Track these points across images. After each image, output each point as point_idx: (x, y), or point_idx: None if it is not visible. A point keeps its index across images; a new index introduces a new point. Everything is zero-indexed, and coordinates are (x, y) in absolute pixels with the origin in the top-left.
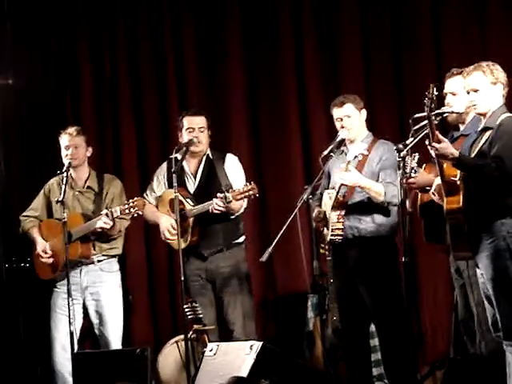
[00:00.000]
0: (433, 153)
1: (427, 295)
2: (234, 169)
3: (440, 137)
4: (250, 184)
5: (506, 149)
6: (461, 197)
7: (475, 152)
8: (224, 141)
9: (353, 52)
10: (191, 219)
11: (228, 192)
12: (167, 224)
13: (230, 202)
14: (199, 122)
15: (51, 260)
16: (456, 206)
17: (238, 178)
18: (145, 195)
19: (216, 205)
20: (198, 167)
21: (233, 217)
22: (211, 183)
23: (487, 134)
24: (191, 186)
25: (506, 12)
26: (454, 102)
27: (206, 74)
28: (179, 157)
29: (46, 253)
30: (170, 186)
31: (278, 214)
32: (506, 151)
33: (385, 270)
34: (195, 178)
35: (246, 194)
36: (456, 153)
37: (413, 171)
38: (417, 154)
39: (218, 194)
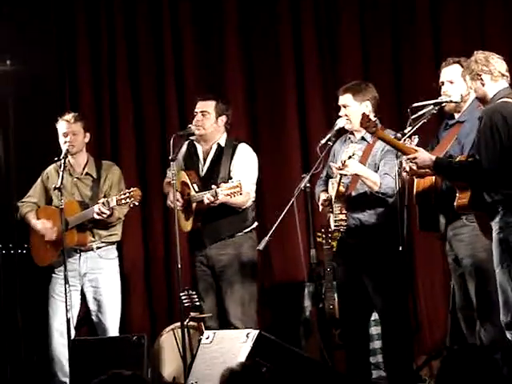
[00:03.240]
0: (414, 166)
1: (424, 284)
2: (242, 159)
3: (412, 150)
4: (239, 182)
5: (478, 145)
6: (469, 193)
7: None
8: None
9: (351, 41)
10: (194, 205)
11: (218, 187)
12: (171, 196)
13: (218, 195)
14: (202, 106)
15: (55, 235)
16: (465, 202)
17: (243, 169)
18: (167, 171)
19: (206, 198)
20: (208, 153)
21: (240, 210)
22: (215, 172)
23: None
24: (201, 171)
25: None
26: (451, 91)
27: (203, 66)
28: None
29: (47, 227)
30: (186, 167)
31: (275, 203)
32: (479, 148)
33: (388, 258)
34: (204, 163)
35: (232, 190)
36: (433, 157)
37: None
38: (416, 136)
39: (213, 186)
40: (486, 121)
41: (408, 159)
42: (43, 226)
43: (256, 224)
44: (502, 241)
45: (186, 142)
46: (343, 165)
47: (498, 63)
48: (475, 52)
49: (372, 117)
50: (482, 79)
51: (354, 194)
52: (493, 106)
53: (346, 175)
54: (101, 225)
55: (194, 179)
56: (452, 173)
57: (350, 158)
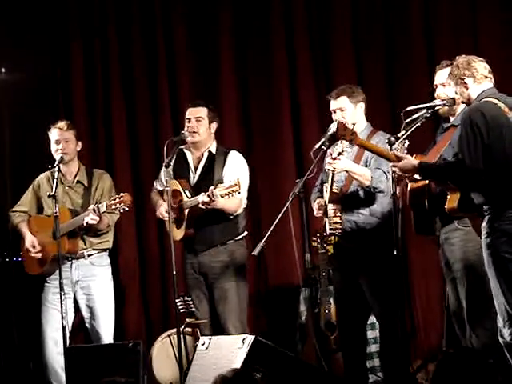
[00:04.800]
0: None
1: (419, 288)
2: (233, 166)
3: (399, 156)
4: (237, 180)
5: (461, 144)
6: (458, 195)
7: None
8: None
9: (345, 46)
10: (186, 211)
11: (215, 188)
12: (162, 209)
13: (216, 197)
14: (195, 112)
15: (40, 255)
16: (455, 205)
17: (235, 175)
18: (154, 182)
19: (202, 199)
20: (200, 161)
21: (231, 216)
22: (208, 179)
23: None
24: (192, 179)
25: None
26: (444, 94)
27: (197, 72)
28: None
29: (34, 247)
30: (176, 175)
31: (269, 207)
32: (461, 147)
33: (384, 262)
34: (196, 171)
35: (230, 190)
36: (416, 162)
37: None
38: (406, 141)
39: (210, 188)
40: (465, 120)
41: (391, 166)
42: (29, 243)
43: (246, 233)
44: (490, 246)
45: (176, 151)
46: (333, 159)
47: (479, 65)
48: (457, 57)
49: (364, 119)
50: (465, 83)
51: (348, 195)
52: (472, 106)
53: (338, 173)
54: (92, 232)
55: (185, 186)
56: (438, 174)
57: (339, 154)
